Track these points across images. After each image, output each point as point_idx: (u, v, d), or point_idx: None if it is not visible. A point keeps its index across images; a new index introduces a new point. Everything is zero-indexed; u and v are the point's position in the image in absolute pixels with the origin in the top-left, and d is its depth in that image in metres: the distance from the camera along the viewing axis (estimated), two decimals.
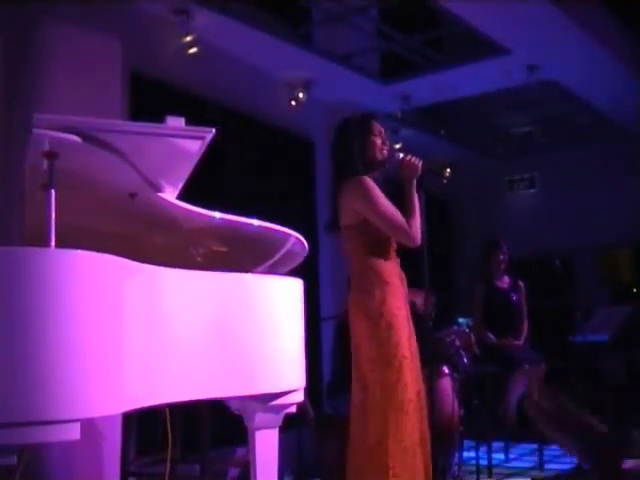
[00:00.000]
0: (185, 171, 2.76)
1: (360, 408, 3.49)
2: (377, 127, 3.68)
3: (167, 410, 3.48)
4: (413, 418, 3.41)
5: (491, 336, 6.25)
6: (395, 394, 3.40)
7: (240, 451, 5.49)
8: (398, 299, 3.51)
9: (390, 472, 3.32)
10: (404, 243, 3.55)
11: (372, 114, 3.81)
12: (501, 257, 6.45)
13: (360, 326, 3.51)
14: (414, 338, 3.60)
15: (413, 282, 3.74)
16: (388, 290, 3.49)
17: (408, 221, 3.50)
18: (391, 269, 3.56)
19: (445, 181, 8.93)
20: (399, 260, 3.64)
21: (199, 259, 3.30)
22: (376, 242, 3.55)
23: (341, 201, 3.57)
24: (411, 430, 3.38)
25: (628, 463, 5.72)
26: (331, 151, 3.73)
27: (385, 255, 3.57)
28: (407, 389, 3.41)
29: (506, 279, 6.53)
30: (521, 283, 6.54)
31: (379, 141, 3.66)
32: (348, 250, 3.62)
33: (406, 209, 3.56)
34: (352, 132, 3.63)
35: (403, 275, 3.63)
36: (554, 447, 6.64)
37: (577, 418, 4.30)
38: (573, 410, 4.36)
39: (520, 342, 6.37)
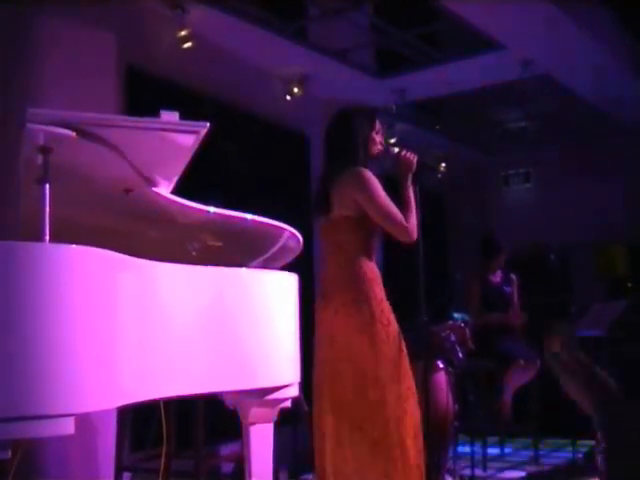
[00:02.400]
0: (179, 166, 2.76)
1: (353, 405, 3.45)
2: (378, 124, 3.68)
3: (162, 405, 3.49)
4: (412, 407, 3.42)
5: (493, 315, 6.30)
6: (396, 388, 3.39)
7: (230, 447, 5.48)
8: (384, 296, 3.52)
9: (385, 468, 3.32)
10: (401, 238, 3.52)
11: (375, 110, 3.79)
12: (498, 254, 6.49)
13: (351, 323, 3.42)
14: None
15: (408, 279, 3.73)
16: (380, 288, 3.49)
17: (405, 216, 3.49)
18: (375, 267, 3.55)
19: (440, 176, 9.01)
20: None
21: (194, 254, 3.30)
22: (369, 238, 3.54)
23: (339, 190, 3.53)
24: (404, 425, 3.38)
25: None
26: (328, 138, 3.69)
27: (372, 252, 3.56)
28: (406, 380, 3.42)
29: (499, 273, 6.58)
30: (513, 276, 6.60)
31: (378, 139, 3.67)
32: (338, 241, 3.57)
33: (403, 205, 3.54)
34: (355, 124, 3.61)
35: None
36: (550, 441, 6.67)
37: (595, 375, 4.29)
38: (592, 367, 4.35)
39: (517, 313, 6.45)
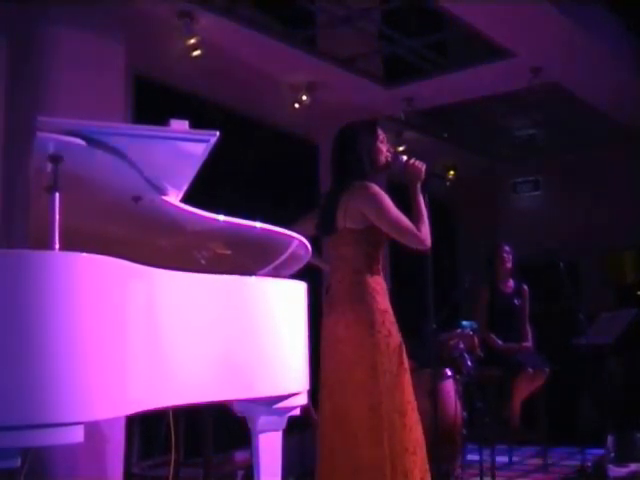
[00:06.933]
0: (189, 174, 2.77)
1: (350, 413, 3.45)
2: (381, 134, 3.68)
3: (170, 413, 3.49)
4: (411, 421, 3.41)
5: (498, 341, 6.25)
6: (393, 400, 3.39)
7: (239, 455, 5.48)
8: (390, 308, 3.52)
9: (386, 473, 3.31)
10: (414, 247, 3.51)
11: (376, 120, 3.80)
12: (506, 261, 6.45)
13: (356, 333, 3.45)
14: None
15: (417, 287, 3.73)
16: (384, 300, 3.50)
17: (417, 224, 3.47)
18: (381, 280, 3.56)
19: (449, 184, 9.00)
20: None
21: (203, 262, 3.30)
22: (374, 251, 3.54)
23: (345, 204, 3.53)
24: (406, 433, 3.38)
25: (631, 466, 5.74)
26: (334, 156, 3.70)
27: (377, 264, 3.57)
28: (404, 394, 3.42)
29: (511, 283, 6.52)
30: (525, 287, 6.53)
31: (384, 148, 3.67)
32: (343, 253, 3.57)
33: (413, 213, 3.53)
34: (358, 139, 3.61)
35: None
36: (558, 449, 6.65)
37: None
38: None
39: (529, 344, 6.37)
